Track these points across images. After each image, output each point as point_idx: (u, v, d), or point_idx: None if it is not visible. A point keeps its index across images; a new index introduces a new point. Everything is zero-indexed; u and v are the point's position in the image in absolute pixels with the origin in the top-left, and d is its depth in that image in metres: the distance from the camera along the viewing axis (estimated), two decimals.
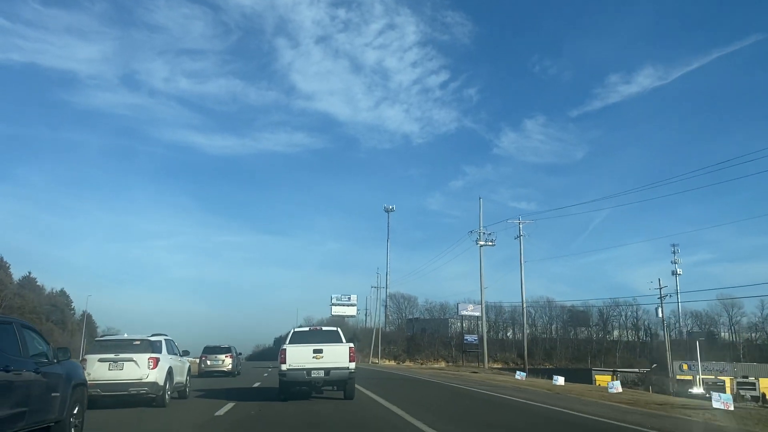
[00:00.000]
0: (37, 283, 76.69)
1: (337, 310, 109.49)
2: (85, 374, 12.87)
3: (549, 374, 50.35)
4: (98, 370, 14.72)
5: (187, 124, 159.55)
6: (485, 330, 63.60)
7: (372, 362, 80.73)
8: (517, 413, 14.63)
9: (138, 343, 15.66)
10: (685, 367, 63.52)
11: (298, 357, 16.57)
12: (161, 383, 15.18)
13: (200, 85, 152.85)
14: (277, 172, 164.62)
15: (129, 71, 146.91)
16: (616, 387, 23.15)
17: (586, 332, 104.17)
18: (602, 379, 60.69)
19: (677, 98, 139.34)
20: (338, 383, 17.06)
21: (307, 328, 19.67)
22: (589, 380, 54.34)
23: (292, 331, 18.37)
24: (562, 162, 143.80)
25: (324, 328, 19.35)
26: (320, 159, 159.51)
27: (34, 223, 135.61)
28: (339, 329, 18.51)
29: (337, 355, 16.71)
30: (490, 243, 57.20)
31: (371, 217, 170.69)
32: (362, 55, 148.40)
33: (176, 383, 16.89)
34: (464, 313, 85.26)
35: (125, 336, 16.61)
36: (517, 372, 35.90)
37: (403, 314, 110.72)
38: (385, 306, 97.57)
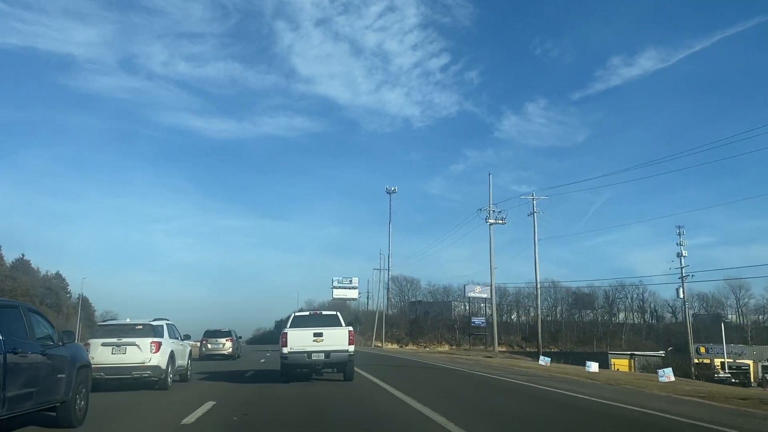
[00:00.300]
0: (32, 266, 76.54)
1: (338, 293, 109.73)
2: (89, 358, 13.61)
3: (562, 358, 49.36)
4: (102, 354, 15.31)
5: (186, 108, 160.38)
6: (495, 312, 63.13)
7: (375, 346, 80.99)
8: (581, 414, 11.64)
9: (140, 327, 16.32)
10: (702, 350, 62.41)
11: (299, 340, 17.23)
12: (163, 367, 15.82)
13: (199, 68, 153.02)
14: (277, 156, 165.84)
15: (128, 55, 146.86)
16: (668, 375, 20.73)
17: (591, 315, 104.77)
18: (619, 363, 59.24)
19: (679, 81, 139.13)
20: (338, 365, 17.84)
21: (307, 312, 20.26)
22: (606, 364, 52.58)
23: (293, 315, 19.00)
24: (563, 145, 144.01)
25: (324, 313, 19.82)
26: (320, 143, 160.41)
27: (33, 207, 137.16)
28: (338, 313, 19.13)
29: (337, 339, 17.38)
30: (501, 221, 56.12)
31: (372, 201, 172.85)
32: (362, 38, 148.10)
33: (178, 366, 17.48)
34: (471, 295, 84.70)
35: (128, 321, 17.23)
36: (541, 357, 33.97)
37: (406, 297, 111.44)
38: (387, 289, 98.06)
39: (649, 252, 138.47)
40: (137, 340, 15.71)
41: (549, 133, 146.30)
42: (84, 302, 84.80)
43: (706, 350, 63.42)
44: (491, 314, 78.56)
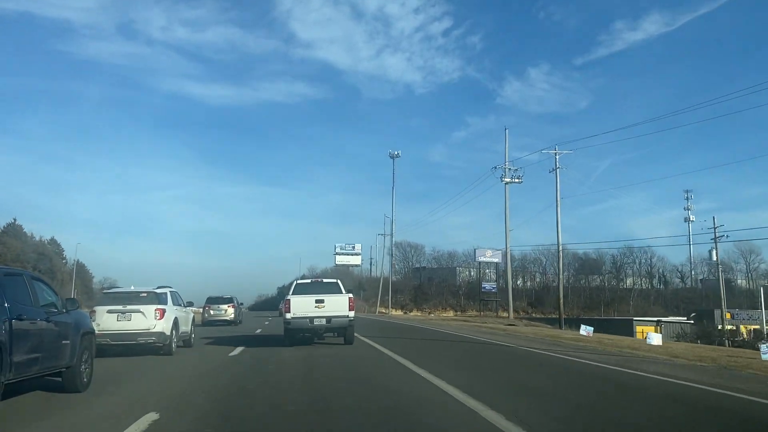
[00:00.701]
0: (24, 231, 75.65)
1: (341, 260, 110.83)
2: (95, 325, 14.51)
3: (573, 324, 47.25)
4: (107, 320, 16.11)
5: (185, 74, 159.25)
6: (510, 276, 61.67)
7: (380, 312, 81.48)
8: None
9: (145, 295, 17.15)
10: (728, 315, 59.49)
11: (302, 306, 18.57)
12: (168, 333, 16.63)
13: (198, 33, 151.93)
14: (277, 123, 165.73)
15: (126, 20, 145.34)
16: None
17: (598, 280, 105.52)
18: (645, 330, 50.70)
19: (684, 45, 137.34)
20: (339, 330, 19.25)
21: (308, 280, 21.82)
22: (629, 331, 49.36)
23: (295, 283, 20.39)
24: (566, 111, 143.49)
25: (324, 280, 21.40)
26: (321, 110, 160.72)
27: (32, 174, 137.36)
28: (339, 281, 20.33)
29: (338, 305, 18.67)
30: (517, 180, 54.78)
31: (373, 168, 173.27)
32: (363, 1, 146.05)
33: (182, 333, 18.38)
34: (482, 259, 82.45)
35: (132, 288, 18.03)
36: (582, 326, 29.08)
37: (410, 263, 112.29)
38: (391, 255, 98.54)
39: (655, 217, 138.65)
40: (142, 308, 16.50)
41: (552, 99, 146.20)
42: (81, 269, 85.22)
43: (732, 316, 61.05)
44: (501, 279, 78.88)
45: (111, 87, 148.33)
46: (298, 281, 20.93)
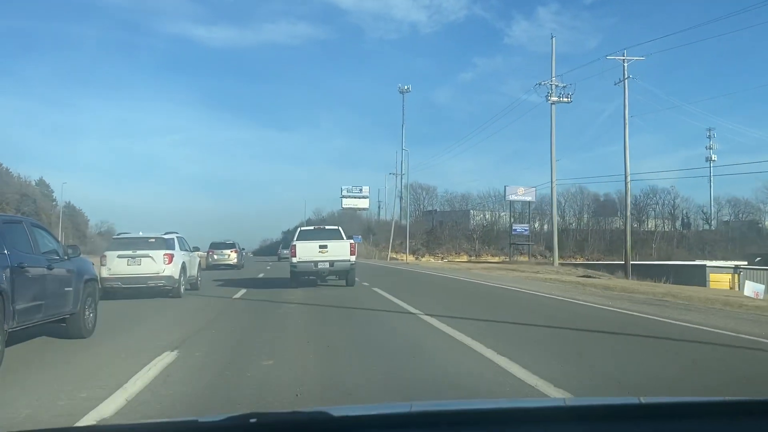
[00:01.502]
0: (11, 173, 74.57)
1: (347, 203, 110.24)
2: (106, 269, 17.37)
3: (603, 269, 42.70)
4: (118, 265, 17.57)
5: (186, 15, 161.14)
6: (556, 215, 56.19)
7: (391, 258, 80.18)
8: None
9: (153, 240, 18.50)
10: None
11: (307, 251, 20.75)
12: (176, 277, 18.01)
13: None
14: (280, 65, 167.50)
15: None
16: None
17: (618, 222, 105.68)
18: (719, 279, 41.07)
19: None
20: (341, 273, 21.37)
21: (311, 227, 24.18)
22: (700, 281, 39.05)
23: (299, 230, 22.75)
24: (575, 52, 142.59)
25: (327, 227, 23.88)
26: (324, 51, 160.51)
27: (31, 118, 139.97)
28: (340, 228, 22.66)
29: (340, 250, 20.88)
30: (566, 99, 48.26)
31: (379, 111, 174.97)
32: None
33: (189, 276, 19.94)
34: (513, 198, 78.03)
35: (140, 234, 19.26)
36: (748, 283, 20.73)
37: (421, 206, 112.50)
38: (400, 197, 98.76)
39: (674, 156, 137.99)
40: (151, 252, 17.81)
41: (560, 39, 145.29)
42: (74, 212, 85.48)
43: None
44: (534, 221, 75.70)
45: (112, 30, 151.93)
46: (302, 228, 23.20)
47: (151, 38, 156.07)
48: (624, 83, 41.55)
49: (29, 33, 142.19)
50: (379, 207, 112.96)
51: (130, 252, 17.79)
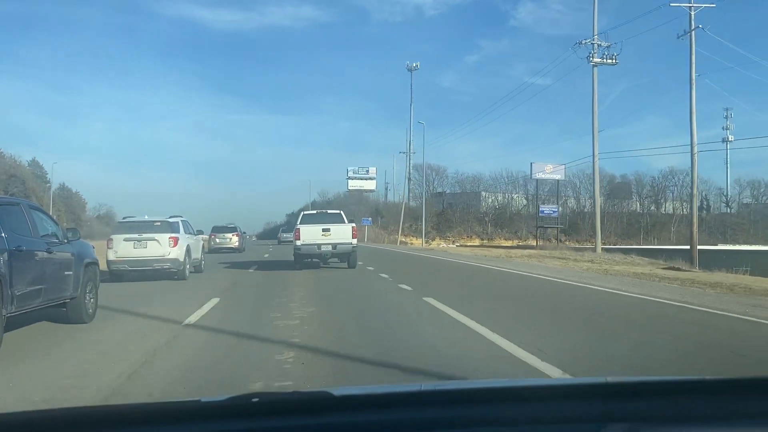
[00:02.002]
0: (2, 153, 73.10)
1: (354, 184, 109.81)
2: (113, 252, 18.60)
3: (661, 255, 36.25)
4: (124, 248, 18.62)
5: None
6: (599, 193, 51.24)
7: (400, 242, 78.34)
8: None
9: (158, 224, 19.54)
10: None
11: (310, 235, 22.26)
12: (181, 259, 19.11)
13: None
14: (285, 48, 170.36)
15: None
16: None
17: (636, 205, 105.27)
18: None
19: None
20: (343, 255, 22.79)
21: (314, 211, 26.35)
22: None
23: (302, 214, 24.40)
24: (581, 34, 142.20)
25: (329, 211, 25.38)
26: (328, 34, 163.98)
27: (40, 102, 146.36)
28: (342, 212, 24.20)
29: (342, 233, 22.42)
30: (610, 60, 44.44)
31: (384, 95, 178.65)
32: None
33: (193, 259, 20.96)
34: (541, 176, 72.89)
35: (146, 218, 20.25)
36: None
37: (431, 187, 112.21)
38: (408, 178, 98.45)
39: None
40: (156, 236, 18.84)
41: (567, 20, 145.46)
42: (71, 195, 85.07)
43: None
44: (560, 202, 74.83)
45: (116, 12, 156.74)
46: (305, 212, 24.95)
47: (155, 21, 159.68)
48: (690, 36, 35.49)
49: (30, 15, 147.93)
50: (386, 189, 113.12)
51: (136, 235, 18.75)
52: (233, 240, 42.77)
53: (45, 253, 9.03)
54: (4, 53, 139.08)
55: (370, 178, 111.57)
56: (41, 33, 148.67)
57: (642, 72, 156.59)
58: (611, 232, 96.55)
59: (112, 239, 18.87)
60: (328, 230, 22.27)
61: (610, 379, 3.47)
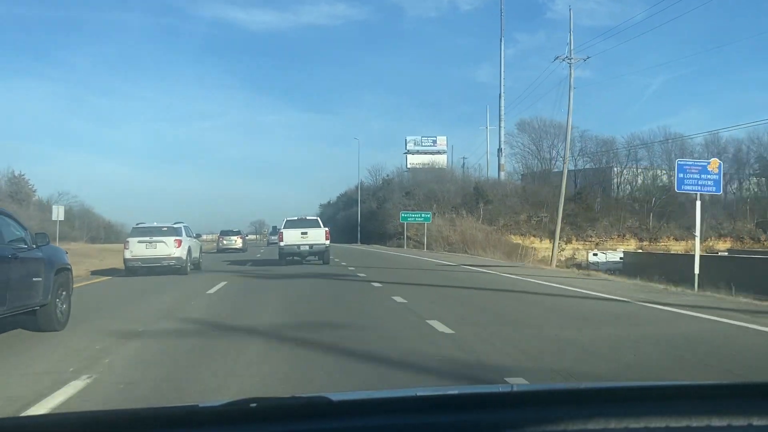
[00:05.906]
0: None
1: (414, 160, 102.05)
2: (129, 252, 28.08)
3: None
4: (138, 248, 27.98)
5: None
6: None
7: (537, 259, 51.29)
8: None
9: (165, 229, 29.38)
10: None
11: (292, 237, 34.06)
12: (184, 258, 28.38)
13: None
14: (319, 47, 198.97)
15: None
16: None
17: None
18: None
19: None
20: (318, 254, 34.44)
21: (295, 218, 37.09)
22: None
23: (285, 220, 36.08)
24: (620, 25, 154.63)
25: (308, 217, 37.53)
26: (363, 31, 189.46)
27: (82, 106, 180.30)
28: (318, 218, 37.68)
29: (318, 236, 34.11)
30: None
31: (418, 91, 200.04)
32: None
33: (193, 258, 30.39)
34: None
35: (155, 224, 30.18)
36: None
37: (538, 158, 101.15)
38: (499, 150, 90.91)
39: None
40: (164, 238, 28.32)
41: (604, 11, 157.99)
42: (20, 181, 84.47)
43: None
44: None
45: (153, 15, 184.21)
46: (288, 219, 36.27)
47: (192, 23, 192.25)
48: (570, 82, 44.26)
49: (70, 21, 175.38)
50: (464, 165, 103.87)
51: (147, 238, 28.28)
52: (237, 242, 63.53)
53: (11, 260, 10.38)
54: (46, 57, 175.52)
55: (438, 152, 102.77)
56: (83, 37, 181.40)
57: None
58: None
59: (128, 241, 28.42)
60: (306, 233, 33.99)
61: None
